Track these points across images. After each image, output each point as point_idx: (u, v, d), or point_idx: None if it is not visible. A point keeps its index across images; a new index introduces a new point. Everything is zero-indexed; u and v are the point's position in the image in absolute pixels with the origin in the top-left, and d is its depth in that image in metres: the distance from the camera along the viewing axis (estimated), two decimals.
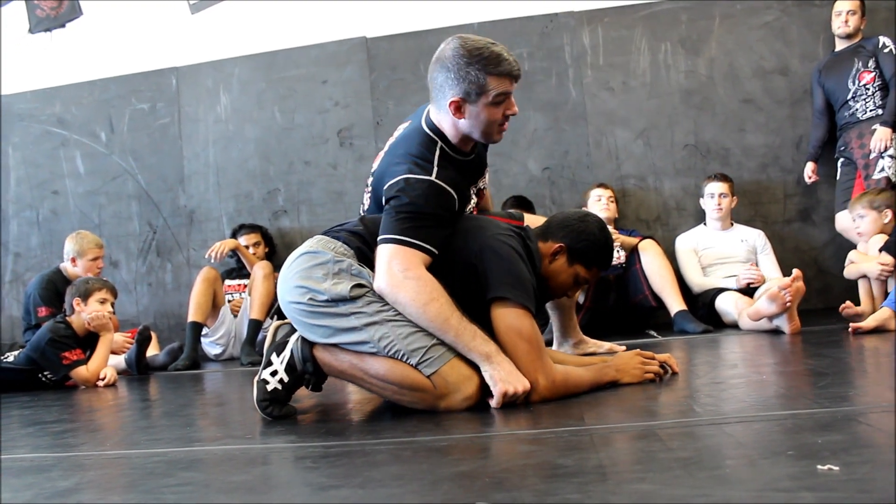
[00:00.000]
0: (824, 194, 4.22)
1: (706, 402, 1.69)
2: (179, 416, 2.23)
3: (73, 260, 3.97)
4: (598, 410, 1.69)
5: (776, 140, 4.31)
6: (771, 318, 3.01)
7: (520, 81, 1.95)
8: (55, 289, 3.85)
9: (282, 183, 4.71)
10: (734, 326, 3.42)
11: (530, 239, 2.02)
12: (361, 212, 2.22)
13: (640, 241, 3.80)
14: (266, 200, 4.73)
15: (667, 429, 1.41)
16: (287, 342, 1.89)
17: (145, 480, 1.37)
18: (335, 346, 1.83)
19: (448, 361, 1.78)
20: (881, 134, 3.79)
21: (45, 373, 3.29)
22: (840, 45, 4.09)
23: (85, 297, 3.37)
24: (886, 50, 3.90)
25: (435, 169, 1.90)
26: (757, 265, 3.86)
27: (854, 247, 3.59)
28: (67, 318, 3.39)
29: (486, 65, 1.87)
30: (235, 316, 4.19)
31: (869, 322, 2.79)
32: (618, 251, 3.77)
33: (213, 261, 4.11)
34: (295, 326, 1.90)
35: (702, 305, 3.70)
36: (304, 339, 1.87)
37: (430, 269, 1.84)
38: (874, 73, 3.92)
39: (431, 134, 1.98)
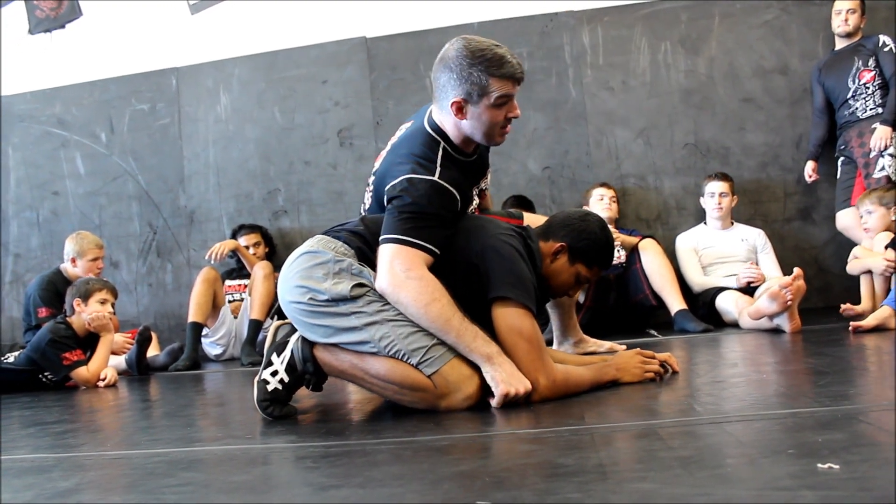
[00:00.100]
0: (824, 193, 4.22)
1: (707, 401, 1.69)
2: (180, 417, 2.23)
3: (74, 260, 3.97)
4: (598, 409, 1.69)
5: (776, 139, 4.31)
6: (771, 316, 3.01)
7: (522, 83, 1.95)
8: (55, 289, 3.85)
9: (282, 183, 4.71)
10: (734, 325, 3.42)
11: (531, 238, 2.02)
12: (362, 211, 2.22)
13: (641, 240, 3.80)
14: (266, 200, 4.73)
15: (667, 428, 1.41)
16: (287, 342, 1.89)
17: (146, 481, 1.37)
18: (336, 345, 1.83)
19: (448, 361, 1.78)
20: (881, 132, 3.79)
21: (46, 373, 3.29)
22: (840, 44, 4.09)
23: (85, 297, 3.37)
24: (886, 49, 3.90)
25: (438, 169, 1.90)
26: (757, 264, 3.86)
27: (854, 245, 3.59)
28: (68, 318, 3.39)
29: (489, 66, 1.87)
30: (236, 317, 4.19)
31: (869, 321, 2.79)
32: (618, 250, 3.77)
33: (213, 262, 4.12)
34: (295, 326, 1.90)
35: (702, 304, 3.70)
36: (304, 339, 1.87)
37: (432, 269, 1.84)
38: (874, 72, 3.92)
39: (434, 134, 1.98)
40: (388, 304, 1.81)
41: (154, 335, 3.89)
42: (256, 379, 1.88)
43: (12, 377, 3.29)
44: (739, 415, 1.50)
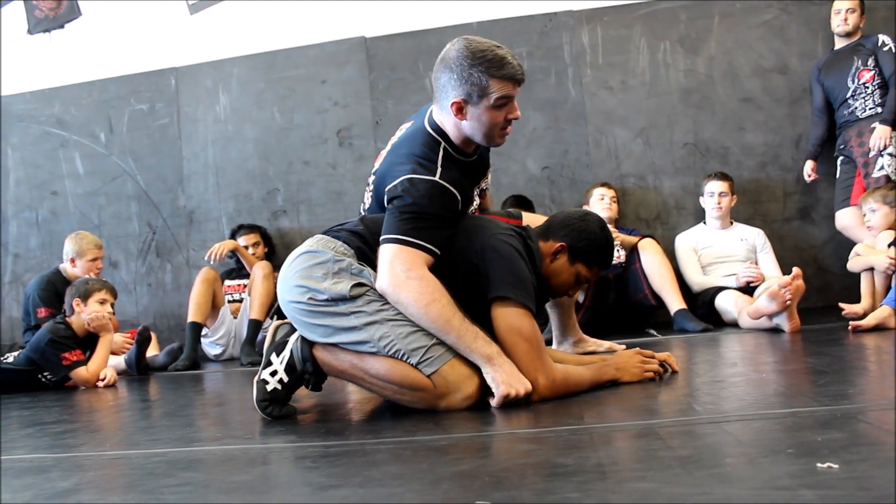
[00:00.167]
0: (824, 193, 4.22)
1: (706, 400, 1.69)
2: (179, 417, 2.23)
3: (73, 261, 3.97)
4: (597, 409, 1.69)
5: (775, 138, 4.31)
6: (771, 316, 3.01)
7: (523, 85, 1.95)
8: (55, 289, 3.85)
9: (281, 183, 4.71)
10: (734, 325, 3.42)
11: (531, 238, 2.02)
12: (361, 211, 2.22)
13: (640, 239, 3.81)
14: (265, 200, 4.73)
15: (666, 427, 1.41)
16: (287, 342, 1.89)
17: (145, 481, 1.37)
18: (335, 345, 1.83)
19: (448, 361, 1.78)
20: (880, 132, 3.79)
21: (45, 373, 3.29)
22: (839, 44, 4.09)
23: (85, 297, 3.37)
24: (886, 48, 3.90)
25: (438, 169, 1.90)
26: (756, 264, 3.86)
27: (854, 244, 3.59)
28: (67, 318, 3.39)
29: (490, 67, 1.87)
30: (235, 317, 4.19)
31: (869, 320, 2.79)
32: (617, 250, 3.77)
33: (212, 262, 4.12)
34: (295, 326, 1.90)
35: (701, 304, 3.70)
36: (303, 339, 1.87)
37: (433, 269, 1.84)
38: (873, 72, 3.92)
39: (434, 134, 1.98)
40: (388, 303, 1.81)
41: (153, 335, 3.89)
42: (256, 379, 1.88)
43: (12, 377, 3.28)
44: (739, 414, 1.50)
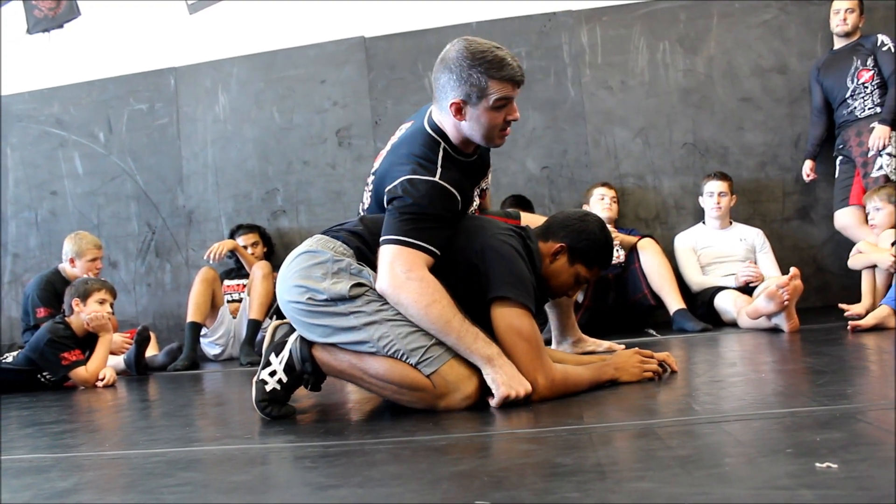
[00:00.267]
0: (823, 192, 4.22)
1: (705, 400, 1.69)
2: (178, 417, 2.23)
3: (72, 261, 3.97)
4: (597, 409, 1.69)
5: (775, 138, 4.31)
6: (769, 316, 3.01)
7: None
8: (54, 289, 3.85)
9: (280, 183, 4.71)
10: (733, 325, 3.42)
11: (531, 239, 2.02)
12: (360, 211, 2.22)
13: (639, 239, 3.81)
14: (265, 200, 4.73)
15: (666, 427, 1.41)
16: (286, 342, 1.89)
17: (144, 481, 1.37)
18: (334, 345, 1.83)
19: (447, 361, 1.78)
20: (880, 132, 3.79)
21: (44, 373, 3.29)
22: (838, 44, 4.09)
23: (84, 297, 3.37)
24: (885, 48, 3.90)
25: (438, 170, 1.90)
26: (756, 263, 3.86)
27: (853, 244, 3.59)
28: (66, 318, 3.39)
29: (489, 68, 1.87)
30: (234, 317, 4.19)
31: (868, 320, 2.79)
32: (617, 250, 3.77)
33: (211, 262, 4.12)
34: (294, 326, 1.90)
35: (701, 304, 3.70)
36: (302, 339, 1.87)
37: (433, 269, 1.84)
38: (873, 72, 3.92)
39: (434, 135, 1.98)
40: (387, 303, 1.81)
41: (153, 335, 3.89)
42: (255, 379, 1.88)
43: (11, 377, 3.28)
44: (738, 414, 1.50)
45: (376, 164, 2.10)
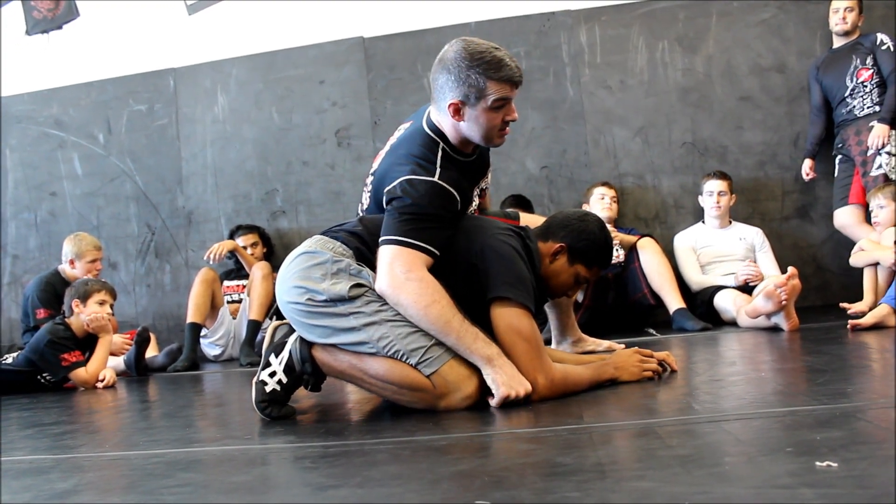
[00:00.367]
0: (822, 191, 4.22)
1: (705, 399, 1.69)
2: (179, 417, 2.23)
3: (72, 262, 3.97)
4: (597, 408, 1.69)
5: (774, 137, 4.31)
6: (769, 315, 3.02)
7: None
8: (54, 291, 3.84)
9: (280, 183, 4.71)
10: (733, 324, 3.42)
11: (530, 239, 2.02)
12: (360, 211, 2.22)
13: (639, 239, 3.81)
14: (264, 201, 4.72)
15: (666, 426, 1.41)
16: (286, 343, 1.89)
17: (144, 481, 1.37)
18: (334, 346, 1.83)
19: (447, 361, 1.78)
20: (879, 131, 3.79)
21: (44, 374, 3.29)
22: (837, 42, 4.09)
23: (84, 298, 3.37)
24: (884, 47, 3.90)
25: (438, 170, 1.90)
26: (755, 263, 3.86)
27: (852, 243, 3.59)
28: (66, 319, 3.39)
29: (487, 69, 1.87)
30: (234, 317, 4.19)
31: (868, 319, 2.79)
32: (616, 249, 3.77)
33: (211, 262, 4.12)
34: (293, 327, 1.90)
35: (700, 303, 3.70)
36: (302, 340, 1.87)
37: (432, 269, 1.84)
38: (872, 70, 3.92)
39: (433, 135, 1.98)
40: (387, 304, 1.81)
41: (153, 336, 3.89)
42: (254, 380, 1.88)
43: (11, 378, 3.28)
44: (738, 413, 1.50)
45: (375, 165, 2.10)
